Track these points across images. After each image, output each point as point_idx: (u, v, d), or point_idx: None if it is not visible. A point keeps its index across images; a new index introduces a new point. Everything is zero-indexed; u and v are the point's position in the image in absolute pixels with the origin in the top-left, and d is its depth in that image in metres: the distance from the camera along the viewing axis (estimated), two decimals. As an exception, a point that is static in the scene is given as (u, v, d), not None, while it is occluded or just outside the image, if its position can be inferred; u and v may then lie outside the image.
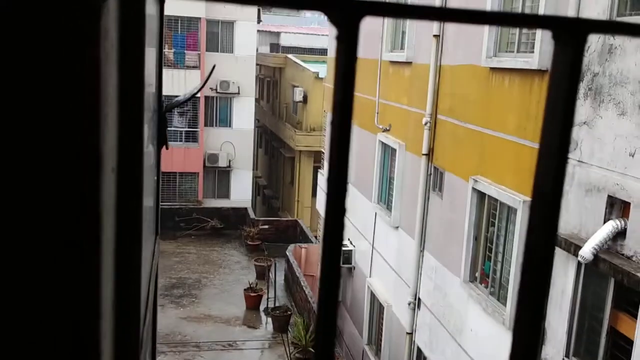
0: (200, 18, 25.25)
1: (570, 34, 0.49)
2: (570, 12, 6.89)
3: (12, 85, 0.53)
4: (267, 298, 17.67)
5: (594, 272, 6.52)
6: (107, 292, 0.77)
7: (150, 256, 1.80)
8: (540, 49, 7.37)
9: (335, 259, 0.45)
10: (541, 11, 7.42)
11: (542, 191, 0.52)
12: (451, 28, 10.05)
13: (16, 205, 0.55)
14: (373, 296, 13.35)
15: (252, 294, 17.77)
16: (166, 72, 24.51)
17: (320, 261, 0.46)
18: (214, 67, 3.61)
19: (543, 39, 7.35)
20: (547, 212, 0.51)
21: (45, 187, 0.56)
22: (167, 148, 2.08)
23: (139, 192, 1.01)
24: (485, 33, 8.68)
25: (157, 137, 1.99)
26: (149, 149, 1.78)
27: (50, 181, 0.56)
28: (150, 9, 1.67)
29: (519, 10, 8.21)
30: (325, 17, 0.45)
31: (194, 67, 25.35)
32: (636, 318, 5.98)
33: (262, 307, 17.83)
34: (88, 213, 0.58)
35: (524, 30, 8.13)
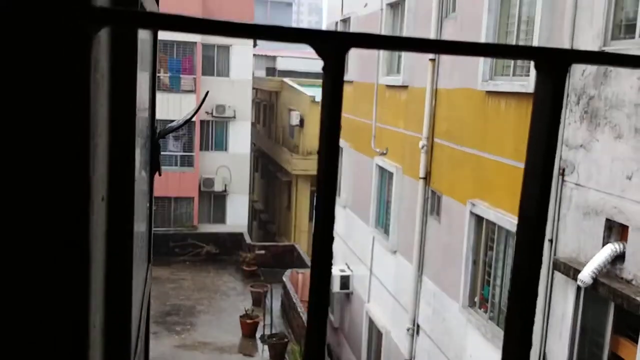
0: (196, 42, 25.41)
1: (552, 65, 0.46)
2: (565, 36, 6.90)
3: (4, 115, 0.54)
4: (264, 325, 17.47)
5: (593, 297, 6.44)
6: (97, 322, 0.80)
7: (142, 283, 1.75)
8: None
9: (325, 279, 0.46)
10: (535, 35, 7.45)
11: (527, 215, 0.53)
12: (446, 52, 10.08)
13: (3, 234, 0.56)
14: (371, 322, 13.19)
15: (248, 321, 17.57)
16: (162, 96, 24.61)
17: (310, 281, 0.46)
18: (207, 93, 3.60)
19: (537, 62, 7.35)
20: (532, 235, 0.49)
21: (33, 217, 0.56)
22: (159, 174, 2.04)
23: (130, 221, 1.03)
24: (481, 57, 8.69)
25: (150, 163, 1.96)
26: (141, 175, 1.74)
27: (38, 210, 0.57)
28: (144, 34, 1.65)
29: (514, 34, 8.24)
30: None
31: (190, 92, 25.44)
32: (637, 343, 5.88)
33: (258, 335, 17.62)
34: (76, 242, 0.59)
35: (518, 54, 8.15)
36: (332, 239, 0.45)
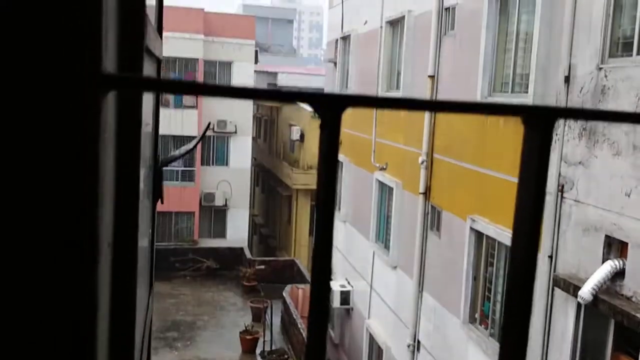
0: (197, 59, 25.55)
1: (539, 120, 0.49)
2: (563, 54, 6.96)
3: (15, 176, 0.56)
4: (264, 341, 17.39)
5: (594, 313, 6.43)
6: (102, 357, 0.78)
7: (144, 312, 1.77)
8: (535, 89, 7.42)
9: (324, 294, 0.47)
10: (534, 52, 7.50)
11: (517, 267, 0.52)
12: (446, 68, 10.16)
13: (13, 285, 0.58)
14: (372, 338, 13.14)
15: (248, 337, 17.49)
16: (164, 112, 24.65)
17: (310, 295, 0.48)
18: (209, 124, 3.63)
19: (537, 79, 7.41)
20: (522, 294, 0.50)
21: (44, 266, 0.58)
22: (162, 202, 2.07)
23: (134, 264, 1.05)
24: (480, 73, 8.77)
25: (153, 191, 1.99)
26: (144, 204, 1.77)
27: (48, 260, 0.58)
28: (148, 71, 1.68)
29: (513, 51, 8.31)
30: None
31: (192, 107, 25.55)
32: (638, 361, 5.87)
33: (258, 351, 17.52)
34: (85, 294, 0.60)
35: (518, 71, 8.22)
36: (330, 260, 0.48)
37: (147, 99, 1.76)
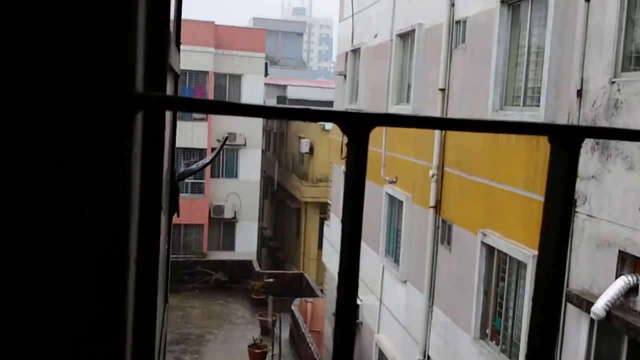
0: (208, 72, 25.71)
1: (566, 140, 0.46)
2: (575, 68, 6.92)
3: (49, 195, 0.57)
4: (272, 355, 17.30)
5: (607, 330, 6.34)
6: None
7: (160, 327, 1.76)
8: (546, 102, 7.38)
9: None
10: (545, 66, 7.46)
11: (542, 283, 0.50)
12: (457, 81, 10.13)
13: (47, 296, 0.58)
14: (381, 353, 13.03)
15: (257, 351, 17.40)
16: (174, 125, 24.83)
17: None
18: (226, 138, 3.63)
19: (549, 92, 7.37)
20: (546, 344, 0.47)
21: (76, 285, 0.59)
22: (178, 216, 2.07)
23: (155, 280, 1.05)
24: (491, 86, 8.73)
25: (170, 206, 1.99)
26: (162, 221, 1.78)
27: (80, 279, 0.59)
28: (168, 85, 1.69)
29: (524, 65, 8.27)
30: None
31: (201, 120, 25.66)
32: (653, 379, 5.76)
33: (267, 364, 17.44)
34: (114, 310, 0.62)
35: (530, 84, 8.18)
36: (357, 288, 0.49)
37: (166, 114, 1.77)
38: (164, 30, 1.03)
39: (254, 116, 0.47)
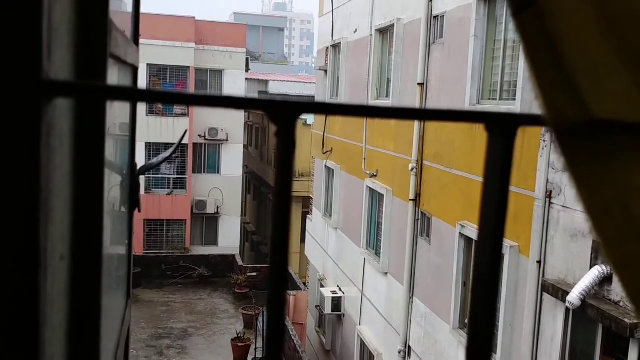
0: (189, 67, 25.56)
1: (502, 127, 0.52)
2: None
3: None
4: (255, 348, 17.36)
5: (582, 318, 6.50)
6: None
7: (119, 324, 1.76)
8: (522, 96, 7.51)
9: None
10: (521, 60, 7.59)
11: (481, 272, 0.54)
12: (435, 76, 10.24)
13: None
14: (363, 344, 13.16)
15: (240, 344, 17.45)
16: (155, 120, 24.69)
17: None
18: (185, 132, 3.65)
19: (524, 86, 7.51)
20: (486, 303, 0.52)
21: None
22: (139, 211, 2.08)
23: (97, 280, 1.00)
24: (468, 81, 8.85)
25: (130, 201, 1.99)
26: (121, 212, 1.78)
27: None
28: (123, 80, 1.68)
29: (500, 59, 8.40)
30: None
31: (183, 115, 25.52)
32: (626, 365, 5.93)
33: (250, 358, 17.48)
34: (26, 310, 0.58)
35: (506, 78, 8.31)
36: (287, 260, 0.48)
37: (123, 107, 1.76)
38: (100, 19, 1.00)
39: (175, 103, 0.47)
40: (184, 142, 24.85)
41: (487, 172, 0.53)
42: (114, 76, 1.37)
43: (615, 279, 5.97)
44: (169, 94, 0.49)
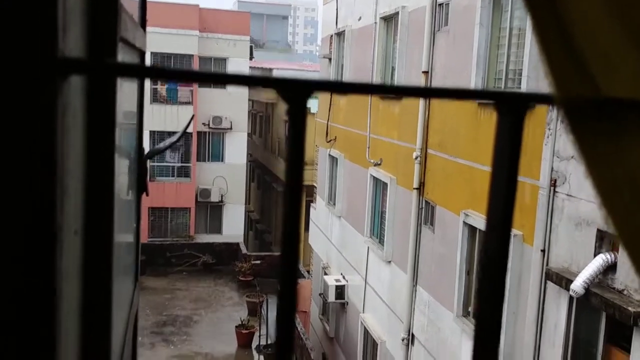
0: (193, 55, 25.51)
1: (510, 106, 0.52)
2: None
3: None
4: (259, 335, 17.45)
5: (586, 307, 6.50)
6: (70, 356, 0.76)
7: (127, 307, 1.77)
8: (527, 84, 7.48)
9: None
10: (527, 48, 7.55)
11: (490, 256, 0.54)
12: (440, 64, 10.20)
13: None
14: (366, 332, 13.21)
15: (244, 331, 17.55)
16: (159, 108, 24.68)
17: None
18: (192, 116, 3.65)
19: (529, 74, 7.47)
20: (495, 284, 0.53)
21: None
22: (147, 194, 2.09)
23: (108, 255, 1.01)
24: (473, 69, 8.81)
25: (137, 184, 2.00)
26: (127, 198, 1.79)
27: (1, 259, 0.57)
28: (126, 59, 1.69)
29: (506, 47, 8.36)
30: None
31: (187, 103, 25.51)
32: (629, 353, 5.94)
33: (254, 345, 17.59)
34: (42, 283, 0.59)
35: (511, 66, 8.27)
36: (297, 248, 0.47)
37: (131, 92, 1.77)
38: (110, 3, 1.02)
39: (183, 81, 0.47)
40: (188, 130, 24.86)
41: (496, 152, 0.53)
42: (123, 59, 1.38)
43: (618, 267, 5.97)
44: (179, 71, 0.49)
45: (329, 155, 16.10)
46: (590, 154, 0.49)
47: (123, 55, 1.33)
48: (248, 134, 28.73)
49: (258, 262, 23.00)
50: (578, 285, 6.21)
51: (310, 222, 18.92)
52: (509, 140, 0.53)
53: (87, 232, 0.86)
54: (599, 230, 6.33)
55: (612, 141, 0.48)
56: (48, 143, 0.56)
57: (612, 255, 6.14)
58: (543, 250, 7.15)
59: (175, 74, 0.50)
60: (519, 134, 0.53)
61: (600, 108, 0.49)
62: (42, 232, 0.58)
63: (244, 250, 24.88)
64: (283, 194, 0.49)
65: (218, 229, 26.91)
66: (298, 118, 0.47)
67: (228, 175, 26.59)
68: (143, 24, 2.12)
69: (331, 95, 15.88)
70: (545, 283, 7.10)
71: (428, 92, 0.51)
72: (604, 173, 0.48)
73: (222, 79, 0.48)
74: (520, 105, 0.53)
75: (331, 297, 14.62)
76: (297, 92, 0.47)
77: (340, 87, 0.49)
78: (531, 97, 0.55)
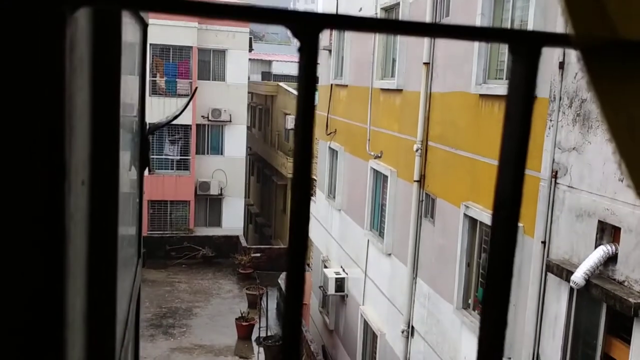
0: (191, 47, 25.44)
1: (526, 47, 0.50)
2: (559, 21, 6.96)
3: None
4: (259, 327, 17.48)
5: (586, 298, 6.49)
6: (76, 311, 0.76)
7: (132, 277, 1.77)
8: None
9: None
10: (530, 20, 7.48)
11: (502, 199, 0.53)
12: (441, 55, 10.15)
13: None
14: (366, 324, 13.22)
15: (244, 324, 17.57)
16: (158, 101, 24.63)
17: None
18: (195, 89, 3.65)
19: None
20: (507, 224, 0.51)
21: (6, 195, 0.57)
22: (150, 172, 2.08)
23: (115, 205, 1.01)
24: (475, 60, 8.77)
25: (140, 159, 1.98)
26: (131, 171, 1.76)
27: (11, 192, 0.57)
28: (133, 35, 1.66)
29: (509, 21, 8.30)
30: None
31: (186, 95, 25.44)
32: (629, 344, 5.93)
33: (254, 337, 17.62)
34: (52, 223, 0.58)
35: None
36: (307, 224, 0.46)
37: (133, 83, 1.74)
38: None
39: (190, 14, 0.45)
40: (187, 123, 24.81)
41: (510, 95, 0.50)
42: (128, 30, 1.36)
43: (619, 258, 5.94)
44: (186, 2, 0.47)
45: (329, 148, 16.07)
46: (605, 96, 0.47)
47: (127, 27, 1.31)
48: (247, 127, 28.69)
49: (258, 255, 23.02)
50: (579, 276, 6.19)
51: (310, 215, 18.91)
52: (524, 83, 0.51)
53: (94, 182, 0.85)
54: (599, 222, 6.31)
55: (629, 82, 0.46)
56: (56, 74, 0.56)
57: (613, 247, 6.13)
58: (544, 242, 7.13)
59: (181, 5, 0.47)
60: (534, 75, 0.51)
61: (617, 49, 0.47)
62: (52, 168, 0.57)
63: (243, 243, 24.90)
64: (294, 139, 0.47)
65: (217, 222, 26.91)
66: (310, 53, 0.45)
67: (227, 169, 26.57)
68: None
69: (331, 87, 15.83)
70: (546, 274, 7.09)
71: (438, 30, 0.48)
72: (620, 114, 0.46)
73: (232, 13, 0.47)
74: (536, 45, 0.51)
75: (331, 290, 14.63)
76: (310, 27, 0.45)
77: (356, 22, 0.47)
78: (548, 36, 0.52)
